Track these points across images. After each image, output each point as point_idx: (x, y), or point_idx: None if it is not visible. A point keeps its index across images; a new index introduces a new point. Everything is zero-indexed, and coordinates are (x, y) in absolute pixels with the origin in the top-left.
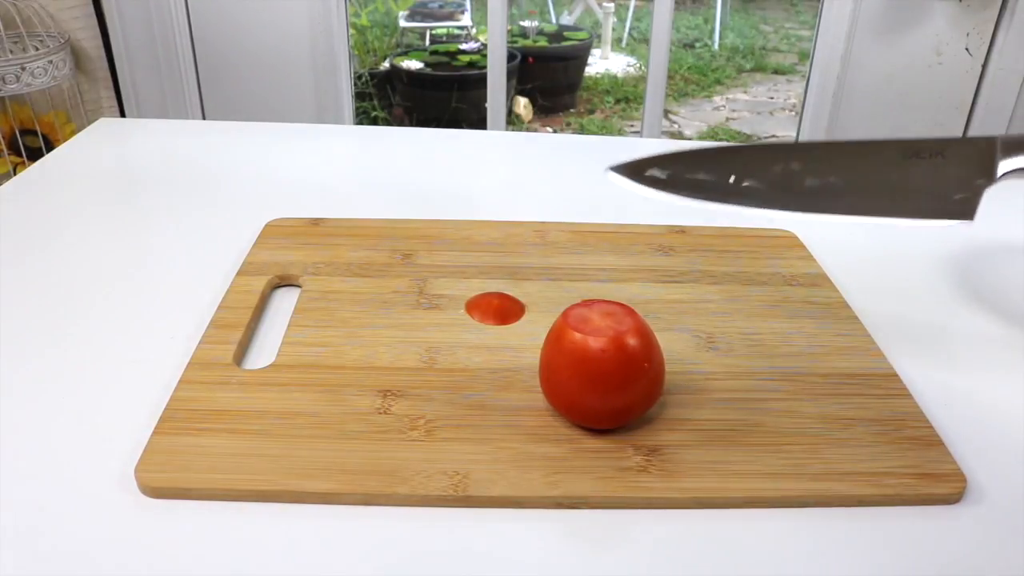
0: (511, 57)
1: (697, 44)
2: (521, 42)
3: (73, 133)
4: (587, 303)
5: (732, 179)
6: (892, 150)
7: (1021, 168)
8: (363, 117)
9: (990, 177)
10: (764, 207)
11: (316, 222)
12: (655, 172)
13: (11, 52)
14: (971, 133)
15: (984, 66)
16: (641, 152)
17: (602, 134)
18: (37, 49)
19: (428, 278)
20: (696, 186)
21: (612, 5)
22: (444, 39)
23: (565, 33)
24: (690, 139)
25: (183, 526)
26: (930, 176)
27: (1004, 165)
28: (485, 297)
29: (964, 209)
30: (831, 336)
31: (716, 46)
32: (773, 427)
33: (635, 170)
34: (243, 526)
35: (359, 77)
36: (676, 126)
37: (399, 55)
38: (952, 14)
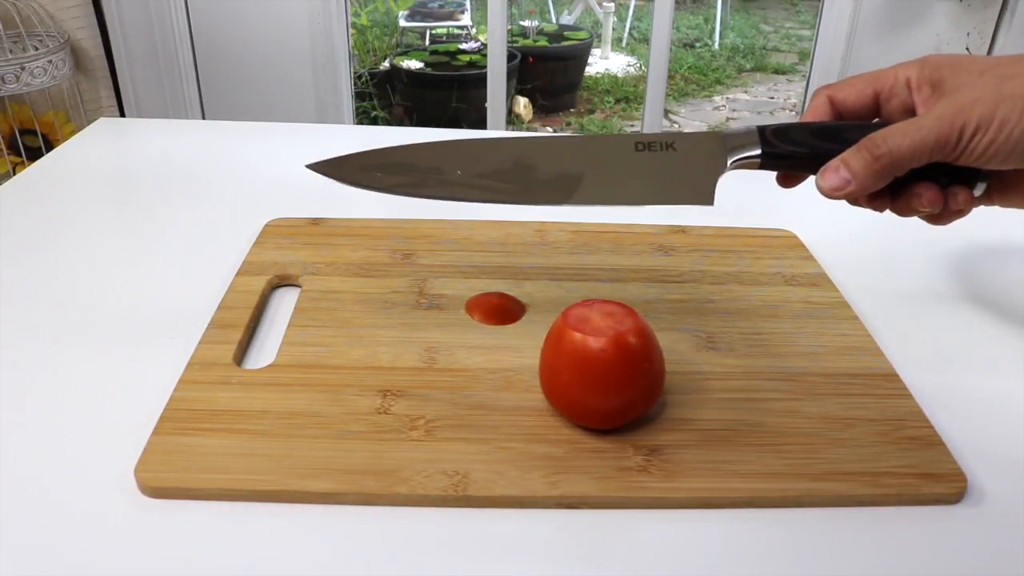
0: (511, 57)
1: (697, 44)
2: (521, 42)
3: (73, 133)
4: (587, 303)
5: (459, 173)
6: (624, 143)
7: (745, 157)
8: (363, 117)
9: (721, 168)
10: (498, 200)
11: (316, 222)
12: (366, 168)
13: (11, 52)
14: None
15: None
16: None
17: (602, 134)
18: (37, 49)
19: (428, 278)
20: (417, 182)
21: (612, 5)
22: (444, 39)
23: (565, 33)
24: None
25: (183, 526)
26: (664, 166)
27: (731, 156)
28: (485, 297)
29: (702, 194)
30: (832, 336)
31: (716, 46)
32: (773, 427)
33: (340, 166)
34: (243, 526)
35: (359, 77)
36: (676, 126)
37: (399, 55)
38: (953, 13)
